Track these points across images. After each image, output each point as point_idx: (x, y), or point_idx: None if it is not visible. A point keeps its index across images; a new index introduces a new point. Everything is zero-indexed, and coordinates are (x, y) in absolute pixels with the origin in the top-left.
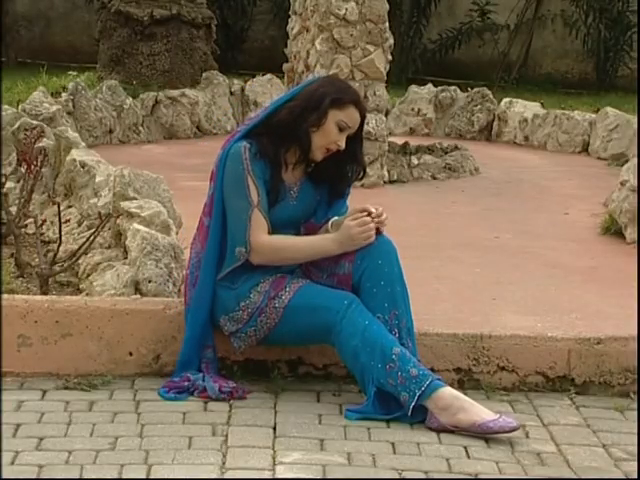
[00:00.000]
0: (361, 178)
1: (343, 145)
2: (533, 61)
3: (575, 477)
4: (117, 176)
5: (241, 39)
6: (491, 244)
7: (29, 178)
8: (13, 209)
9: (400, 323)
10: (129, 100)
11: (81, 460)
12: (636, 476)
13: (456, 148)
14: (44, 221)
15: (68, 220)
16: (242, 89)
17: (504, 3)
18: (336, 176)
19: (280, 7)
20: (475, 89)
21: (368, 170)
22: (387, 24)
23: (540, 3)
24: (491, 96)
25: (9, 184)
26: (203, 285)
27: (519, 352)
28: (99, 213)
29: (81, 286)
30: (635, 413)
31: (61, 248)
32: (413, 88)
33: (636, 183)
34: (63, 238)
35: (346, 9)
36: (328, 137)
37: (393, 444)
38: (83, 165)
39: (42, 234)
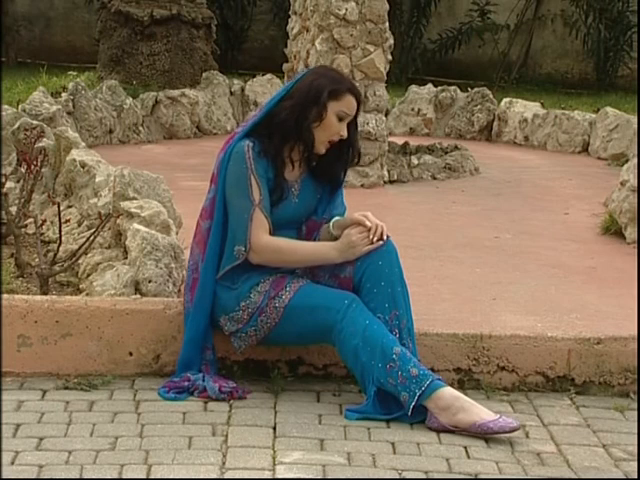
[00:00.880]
0: (357, 162)
1: (346, 134)
2: (533, 61)
3: (575, 477)
4: (117, 176)
5: (241, 39)
6: (491, 244)
7: (29, 178)
8: (13, 209)
9: (400, 323)
10: (129, 100)
11: (81, 460)
12: (636, 476)
13: (456, 148)
14: (44, 221)
15: (68, 220)
16: (242, 89)
17: (504, 3)
18: (336, 164)
19: (280, 7)
20: (475, 89)
21: (368, 170)
22: (387, 24)
23: (540, 3)
24: (491, 96)
25: (9, 184)
26: (204, 286)
27: (519, 352)
28: (99, 213)
29: (81, 286)
30: (635, 413)
31: (61, 248)
32: (413, 88)
33: (636, 183)
34: (63, 238)
35: (346, 9)
36: (330, 129)
37: (393, 444)
38: (83, 165)
39: (42, 234)
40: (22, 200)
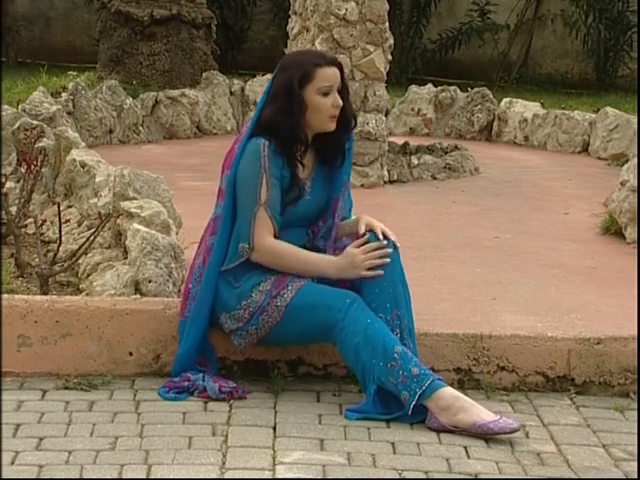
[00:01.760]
0: (354, 127)
1: (340, 102)
2: (533, 61)
3: (575, 477)
4: (117, 176)
5: (241, 39)
6: (491, 244)
7: (29, 178)
8: (13, 209)
9: (402, 323)
10: (129, 100)
11: (81, 460)
12: (636, 476)
13: (456, 148)
14: (44, 221)
15: (68, 220)
16: (242, 89)
17: (504, 3)
18: (335, 134)
19: (280, 7)
20: (475, 89)
21: (368, 170)
22: (387, 24)
23: (540, 3)
24: (491, 96)
25: (9, 184)
26: (205, 291)
27: (519, 352)
28: (99, 213)
29: (81, 286)
30: (635, 413)
31: (61, 248)
32: (413, 88)
33: (636, 183)
34: (63, 238)
35: (346, 9)
36: (322, 109)
37: (393, 444)
38: (83, 165)
39: (42, 234)
40: (22, 200)
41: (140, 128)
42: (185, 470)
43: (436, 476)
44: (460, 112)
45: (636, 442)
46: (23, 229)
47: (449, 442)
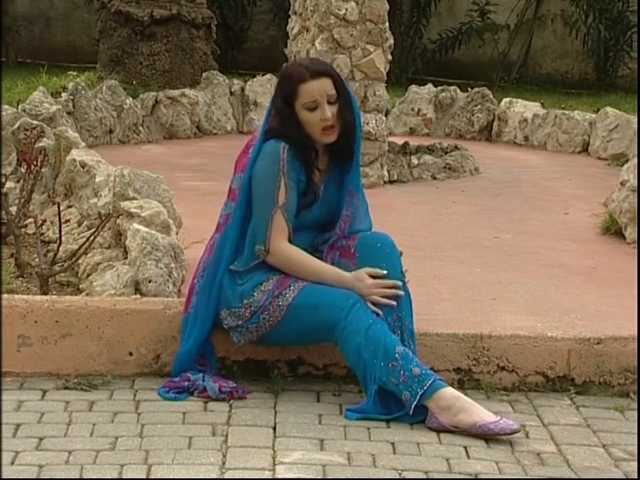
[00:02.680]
0: (355, 132)
1: (328, 115)
2: (533, 61)
3: (575, 477)
4: (117, 176)
5: (241, 39)
6: (491, 244)
7: (29, 178)
8: (13, 209)
9: (403, 325)
10: (129, 100)
11: (81, 460)
12: (636, 476)
13: (456, 148)
14: (44, 221)
15: (68, 220)
16: (242, 89)
17: (504, 3)
18: (345, 141)
19: (280, 7)
20: (475, 89)
21: (368, 170)
22: (387, 24)
23: (540, 3)
24: (491, 96)
25: (9, 184)
26: (209, 290)
27: (519, 352)
28: (99, 213)
29: (81, 286)
30: (635, 413)
31: (61, 248)
32: (413, 88)
33: (636, 183)
34: (63, 238)
35: (346, 9)
36: (312, 123)
37: (393, 444)
38: (83, 165)
39: (42, 234)
40: (22, 200)
41: (140, 128)
42: (185, 470)
43: (436, 476)
44: (460, 112)
45: (636, 442)
46: (23, 229)
47: (449, 442)
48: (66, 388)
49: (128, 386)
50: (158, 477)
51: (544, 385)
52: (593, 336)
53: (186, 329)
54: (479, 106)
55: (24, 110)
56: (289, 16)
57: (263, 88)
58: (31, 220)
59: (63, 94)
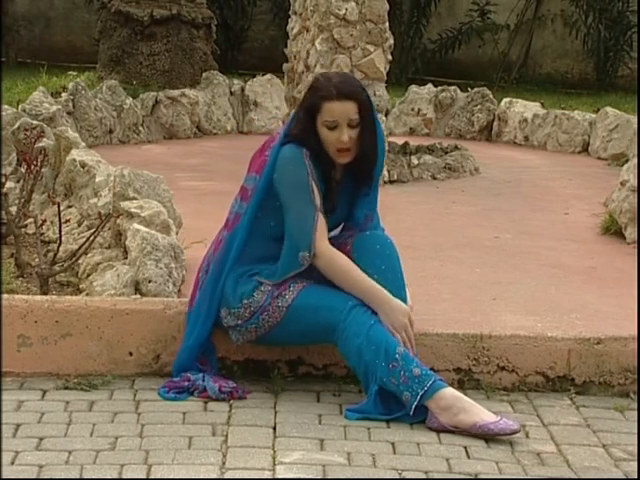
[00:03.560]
0: (374, 167)
1: (345, 138)
2: (533, 61)
3: (575, 477)
4: (117, 176)
5: (241, 39)
6: (491, 244)
7: (29, 178)
8: (13, 209)
9: None
10: (129, 100)
11: (81, 460)
12: (636, 476)
13: (456, 148)
14: (44, 221)
15: (68, 220)
16: (242, 89)
17: (504, 3)
18: (360, 167)
19: (280, 7)
20: (475, 89)
21: None
22: (387, 24)
23: (540, 3)
24: (491, 96)
25: (9, 184)
26: (213, 287)
27: (519, 352)
28: (99, 213)
29: (81, 286)
30: (635, 413)
31: (61, 248)
32: (413, 88)
33: (636, 183)
34: (63, 238)
35: (346, 9)
36: (328, 141)
37: (393, 444)
38: (83, 165)
39: (42, 234)
40: (22, 200)
41: (140, 128)
42: (185, 470)
43: (436, 476)
44: (460, 112)
45: (636, 442)
46: (23, 229)
47: (449, 442)
48: (66, 388)
49: (128, 386)
50: (158, 477)
51: (544, 385)
52: (593, 336)
53: (188, 325)
54: (479, 106)
55: (24, 110)
56: (289, 16)
57: (263, 88)
58: (31, 220)
59: (63, 94)
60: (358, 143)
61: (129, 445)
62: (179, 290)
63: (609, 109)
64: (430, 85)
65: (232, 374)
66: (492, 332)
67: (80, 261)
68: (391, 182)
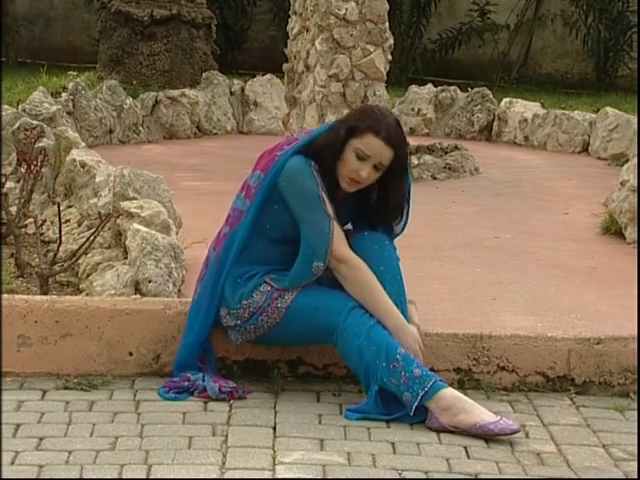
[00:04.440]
0: (397, 223)
1: (364, 175)
2: (533, 61)
3: (575, 477)
4: (117, 176)
5: (241, 39)
6: (491, 244)
7: (29, 178)
8: (13, 209)
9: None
10: (129, 100)
11: (81, 460)
12: (636, 476)
13: (456, 148)
14: (44, 221)
15: (68, 220)
16: (242, 89)
17: (504, 3)
18: (368, 212)
19: (280, 7)
20: (475, 89)
21: None
22: (387, 24)
23: (540, 3)
24: (491, 96)
25: (9, 184)
26: (214, 284)
27: (519, 352)
28: (99, 213)
29: (81, 286)
30: (635, 413)
31: (61, 248)
32: (413, 88)
33: (636, 183)
34: (63, 238)
35: (346, 9)
36: (347, 166)
37: (393, 444)
38: (83, 165)
39: (42, 234)
40: (22, 200)
41: (140, 128)
42: (185, 470)
43: (436, 476)
44: (460, 112)
45: (636, 442)
46: (23, 229)
47: (449, 442)
48: (66, 388)
49: (128, 386)
50: (158, 477)
51: (544, 385)
52: (593, 336)
53: (189, 321)
54: (479, 106)
55: (24, 110)
56: (289, 16)
57: (263, 88)
58: (31, 220)
59: (63, 94)
60: (373, 185)
61: (129, 445)
62: (179, 290)
63: (609, 109)
64: (430, 85)
65: (232, 374)
66: (492, 332)
67: (80, 261)
68: None
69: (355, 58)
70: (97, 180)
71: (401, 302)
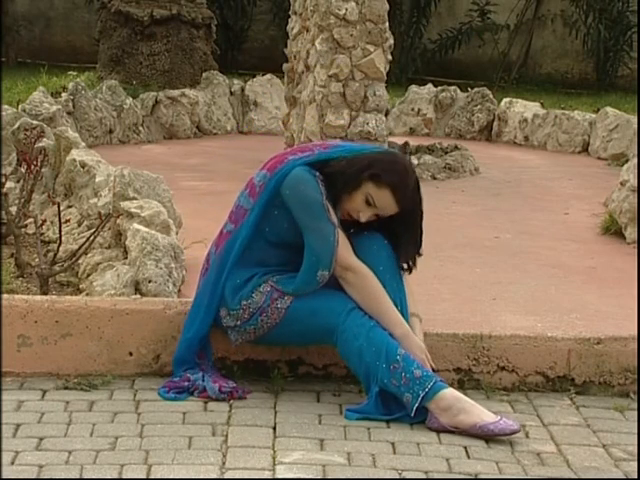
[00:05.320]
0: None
1: (363, 219)
2: (533, 61)
3: (575, 477)
4: (117, 176)
5: (241, 39)
6: (491, 244)
7: (29, 178)
8: (13, 209)
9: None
10: (129, 100)
11: (81, 460)
12: (636, 476)
13: (456, 148)
14: (44, 221)
15: (68, 220)
16: (242, 89)
17: (504, 3)
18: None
19: (280, 7)
20: (475, 89)
21: None
22: (387, 24)
23: (540, 3)
24: (491, 96)
25: (9, 184)
26: (216, 280)
27: (519, 352)
28: (99, 213)
29: (81, 286)
30: (635, 413)
31: (61, 248)
32: (413, 88)
33: (636, 183)
34: (63, 238)
35: (346, 9)
36: (352, 204)
37: (393, 444)
38: (83, 165)
39: (42, 234)
40: (22, 200)
41: (140, 128)
42: (185, 470)
43: (436, 476)
44: (460, 112)
45: (636, 442)
46: (23, 229)
47: (449, 442)
48: (66, 388)
49: (128, 386)
50: (158, 477)
51: (544, 385)
52: (593, 336)
53: (189, 317)
54: (479, 106)
55: (24, 110)
56: (289, 16)
57: (263, 88)
58: (31, 220)
59: (63, 94)
60: (404, 245)
61: (129, 445)
62: (179, 290)
63: (609, 109)
64: (430, 85)
65: (232, 374)
66: (492, 332)
67: (80, 261)
68: None
69: (355, 58)
70: (97, 180)
71: (400, 300)
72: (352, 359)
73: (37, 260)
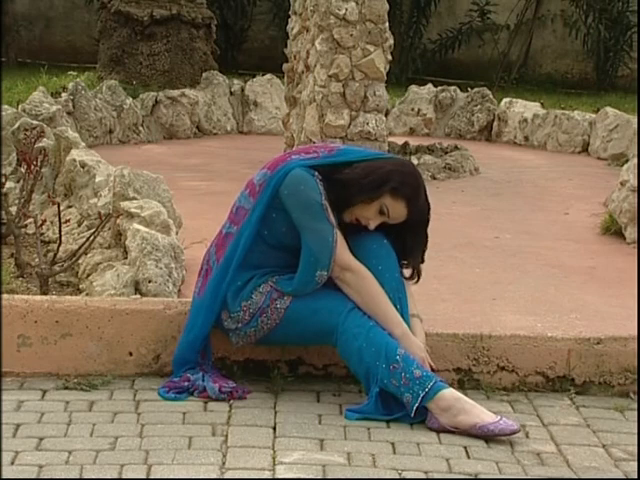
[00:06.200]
0: (414, 280)
1: (372, 227)
2: (533, 61)
3: (575, 477)
4: (117, 176)
5: (241, 39)
6: (491, 244)
7: (29, 178)
8: (13, 209)
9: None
10: (129, 100)
11: (81, 460)
12: (636, 476)
13: (456, 148)
14: (44, 221)
15: (68, 220)
16: (242, 89)
17: (504, 3)
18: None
19: (280, 7)
20: (475, 89)
21: None
22: (387, 24)
23: (540, 3)
24: (491, 96)
25: (9, 184)
26: (219, 281)
27: (519, 352)
28: (99, 213)
29: (81, 286)
30: (635, 413)
31: (61, 248)
32: (413, 88)
33: (636, 183)
34: (63, 238)
35: (346, 9)
36: (365, 212)
37: (393, 444)
38: (83, 165)
39: (42, 234)
40: (22, 200)
41: (140, 128)
42: (185, 470)
43: (436, 476)
44: (460, 112)
45: (636, 442)
46: (23, 229)
47: (449, 442)
48: (66, 388)
49: (128, 386)
50: (158, 477)
51: (544, 385)
52: (593, 336)
53: (190, 318)
54: (479, 106)
55: (24, 110)
56: (289, 16)
57: (263, 88)
58: (31, 220)
59: (63, 94)
60: (410, 250)
61: (129, 445)
62: (179, 290)
63: (609, 109)
64: (430, 85)
65: (232, 374)
66: (492, 332)
67: (80, 261)
68: None
69: (355, 58)
70: (97, 180)
71: (400, 299)
72: (352, 359)
73: (37, 260)
